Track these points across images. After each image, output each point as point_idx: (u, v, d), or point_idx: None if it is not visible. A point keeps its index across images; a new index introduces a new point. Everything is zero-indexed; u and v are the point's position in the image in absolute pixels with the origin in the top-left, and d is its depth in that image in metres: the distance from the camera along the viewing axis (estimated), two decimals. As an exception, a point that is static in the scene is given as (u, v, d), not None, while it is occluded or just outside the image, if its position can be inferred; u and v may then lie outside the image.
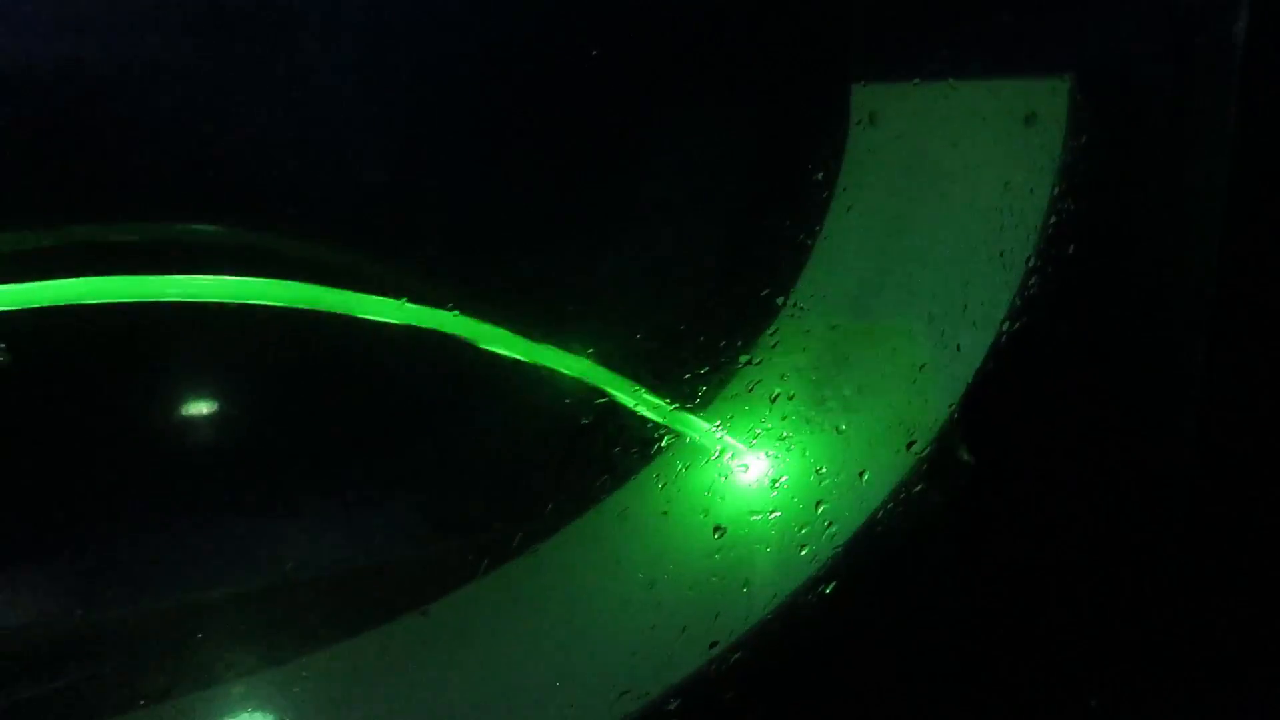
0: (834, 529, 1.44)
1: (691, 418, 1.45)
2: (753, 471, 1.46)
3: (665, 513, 1.46)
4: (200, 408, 1.43)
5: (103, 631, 1.39)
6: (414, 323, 1.31)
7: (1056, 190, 1.40)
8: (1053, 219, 1.41)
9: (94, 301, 1.17)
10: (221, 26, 1.37)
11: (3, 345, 1.24)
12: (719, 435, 1.44)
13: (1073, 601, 1.48)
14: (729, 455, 1.45)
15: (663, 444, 1.46)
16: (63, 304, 1.15)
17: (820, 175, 1.53)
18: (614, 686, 1.37)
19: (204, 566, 1.42)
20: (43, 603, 1.40)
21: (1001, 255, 1.44)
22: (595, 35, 1.46)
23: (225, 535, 1.43)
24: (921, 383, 1.47)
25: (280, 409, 1.44)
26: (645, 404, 1.42)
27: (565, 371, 1.38)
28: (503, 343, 1.35)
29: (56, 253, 1.33)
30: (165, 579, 1.41)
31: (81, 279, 1.16)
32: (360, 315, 1.29)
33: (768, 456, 1.46)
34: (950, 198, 1.53)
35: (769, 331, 1.50)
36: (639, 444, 1.46)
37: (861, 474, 1.45)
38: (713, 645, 1.39)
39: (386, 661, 1.41)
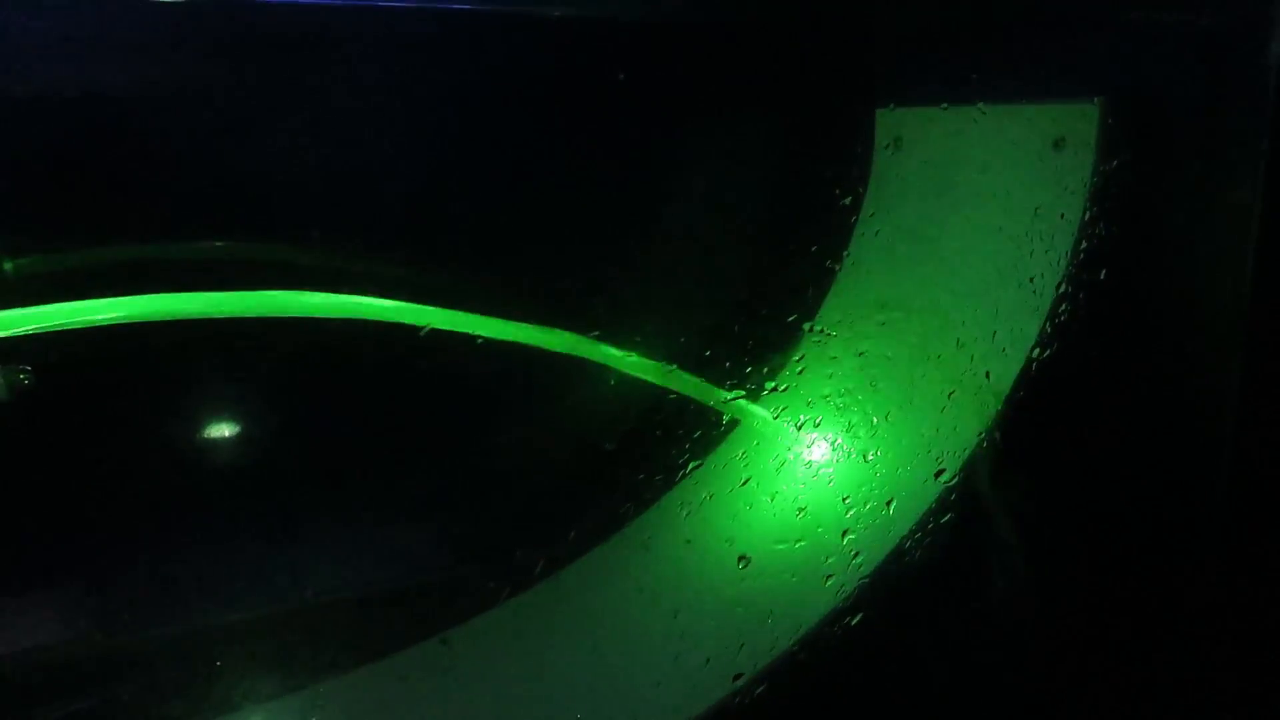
0: (860, 559, 1.42)
1: (715, 444, 1.44)
2: (778, 500, 1.44)
3: (689, 541, 1.44)
4: (218, 431, 1.43)
5: (120, 656, 1.38)
6: (438, 326, 1.30)
7: (1087, 215, 1.39)
8: (1083, 244, 1.39)
9: (109, 322, 1.18)
10: (246, 49, 1.38)
11: (27, 368, 1.25)
12: (743, 462, 1.43)
13: (1105, 633, 1.45)
14: (754, 484, 1.44)
15: (687, 470, 1.45)
16: (81, 325, 1.16)
17: (847, 199, 1.52)
18: (637, 718, 1.36)
19: (223, 591, 1.42)
20: (60, 626, 1.40)
21: (1031, 281, 1.43)
22: (628, 60, 1.47)
23: (244, 560, 1.43)
24: (950, 410, 1.45)
25: (299, 432, 1.44)
26: (669, 430, 1.41)
27: (589, 396, 1.37)
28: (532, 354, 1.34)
29: (75, 274, 1.34)
30: (184, 603, 1.41)
31: (97, 300, 1.17)
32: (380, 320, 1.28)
33: (793, 484, 1.45)
34: (979, 222, 1.52)
35: (795, 357, 1.50)
36: (663, 470, 1.45)
37: (889, 503, 1.43)
38: (737, 677, 1.37)
39: (405, 690, 1.40)
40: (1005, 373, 1.43)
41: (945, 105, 1.49)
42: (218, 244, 1.41)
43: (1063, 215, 1.41)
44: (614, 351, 1.40)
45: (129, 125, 1.38)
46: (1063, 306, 1.41)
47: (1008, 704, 1.47)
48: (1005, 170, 1.49)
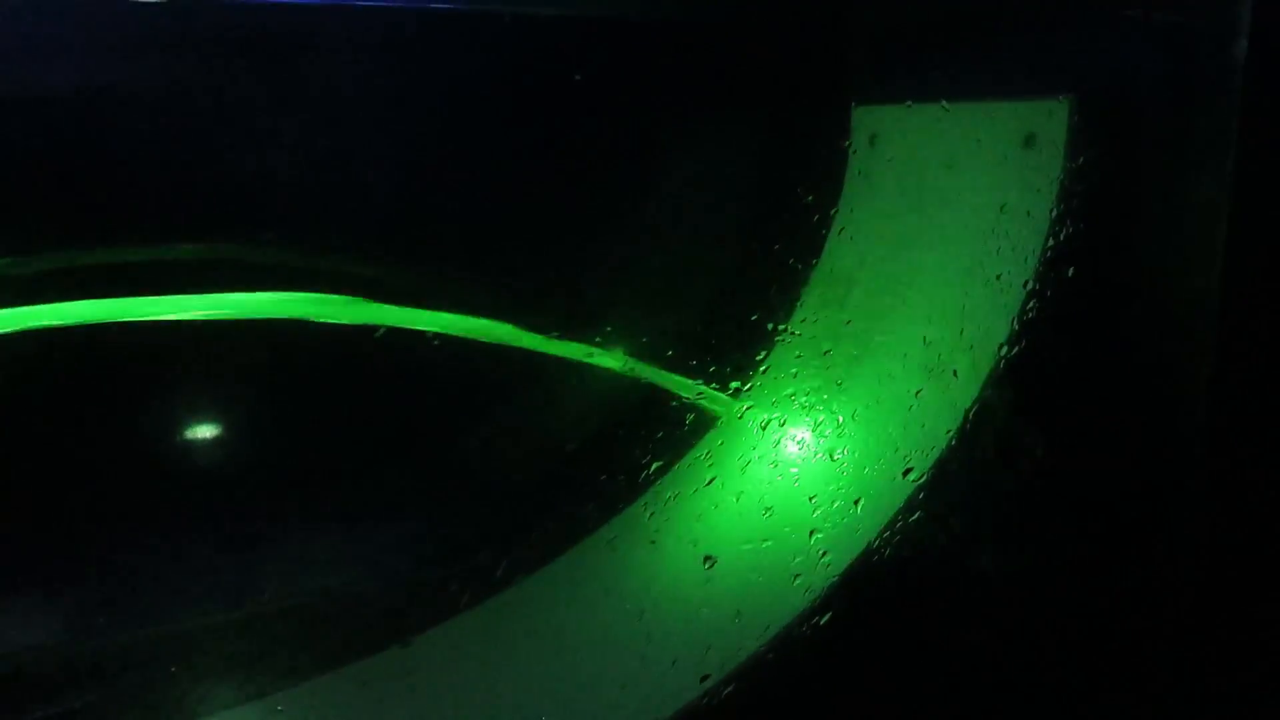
0: (829, 558, 1.41)
1: (680, 444, 1.43)
2: (743, 500, 1.44)
3: (654, 542, 1.43)
4: (175, 434, 1.41)
5: (76, 664, 1.36)
6: (396, 324, 1.28)
7: (1055, 213, 1.39)
8: (1051, 242, 1.39)
9: (73, 324, 1.16)
10: (240, 49, 1.37)
11: None
12: (708, 462, 1.42)
13: (1077, 630, 1.46)
14: (719, 483, 1.43)
15: (651, 471, 1.44)
16: (40, 328, 1.14)
17: (812, 198, 1.51)
18: (603, 721, 1.35)
19: (179, 596, 1.39)
20: (15, 633, 1.37)
21: (998, 279, 1.42)
22: (598, 56, 1.45)
23: (200, 564, 1.41)
24: (918, 409, 1.45)
25: (256, 434, 1.42)
26: (633, 431, 1.40)
27: (551, 397, 1.36)
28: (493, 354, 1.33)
29: (53, 276, 1.32)
30: (138, 609, 1.38)
31: (70, 302, 1.15)
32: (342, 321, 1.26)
33: (758, 484, 1.44)
34: (947, 220, 1.51)
35: (759, 357, 1.49)
36: (627, 471, 1.44)
37: (857, 502, 1.43)
38: (704, 678, 1.36)
39: (367, 696, 1.38)
40: (973, 371, 1.43)
41: (911, 103, 1.48)
42: (183, 246, 1.39)
43: (1029, 213, 1.41)
44: (577, 351, 1.39)
45: (102, 127, 1.36)
46: (1030, 304, 1.41)
47: (978, 703, 1.47)
48: (974, 168, 1.48)
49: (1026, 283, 1.41)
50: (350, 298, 1.25)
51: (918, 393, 1.46)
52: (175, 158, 1.38)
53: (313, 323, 1.21)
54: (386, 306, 1.25)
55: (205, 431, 1.39)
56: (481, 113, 1.50)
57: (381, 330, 1.22)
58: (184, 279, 1.26)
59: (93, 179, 1.35)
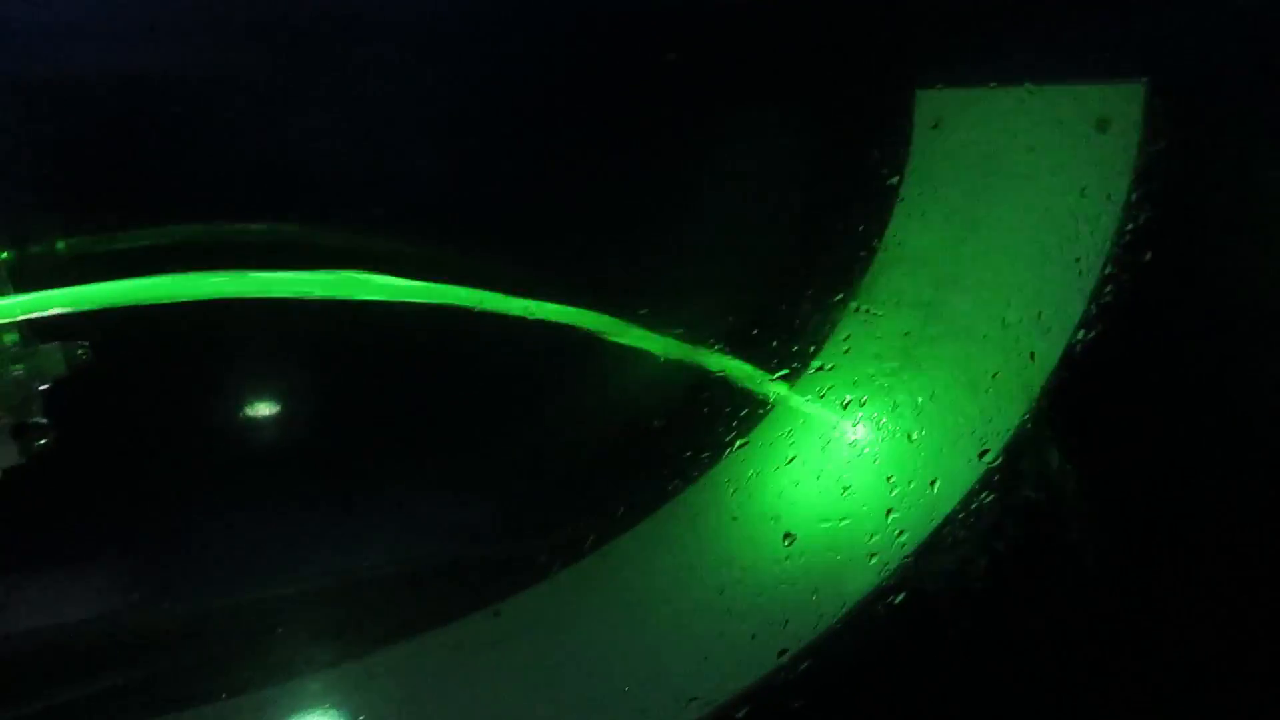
0: (904, 538, 1.43)
1: (763, 423, 1.45)
2: (823, 478, 1.45)
3: (735, 518, 1.46)
4: (274, 406, 1.47)
5: (186, 625, 1.44)
6: (493, 308, 1.31)
7: (1133, 196, 1.38)
8: (1129, 225, 1.39)
9: (166, 300, 1.19)
10: (281, 34, 1.41)
11: (85, 343, 1.28)
12: (789, 441, 1.45)
13: (1149, 613, 1.45)
14: (800, 462, 1.45)
15: (734, 449, 1.47)
16: (138, 303, 1.18)
17: (888, 180, 1.52)
18: (683, 692, 1.38)
19: (281, 563, 1.46)
20: (126, 596, 1.45)
21: (1077, 261, 1.43)
22: (671, 41, 1.48)
23: (301, 533, 1.47)
24: (994, 391, 1.46)
25: (353, 408, 1.48)
26: (716, 409, 1.43)
27: (638, 375, 1.39)
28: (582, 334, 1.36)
29: (129, 254, 1.38)
30: (245, 575, 1.45)
31: (153, 278, 1.19)
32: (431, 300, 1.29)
33: (838, 463, 1.46)
34: (1023, 203, 1.52)
35: (841, 337, 1.51)
36: (710, 448, 1.47)
37: (933, 482, 1.44)
38: (781, 653, 1.38)
39: (458, 660, 1.43)
40: (1050, 353, 1.44)
41: (988, 85, 1.49)
42: (265, 227, 1.44)
43: (1109, 196, 1.40)
44: (662, 332, 1.42)
45: (177, 110, 1.41)
46: (1108, 288, 1.41)
47: (1049, 683, 1.47)
48: (1050, 150, 1.48)
49: (1105, 266, 1.41)
50: (453, 286, 1.28)
51: (995, 375, 1.47)
52: (247, 142, 1.44)
53: (415, 305, 1.25)
54: (481, 292, 1.29)
55: (303, 408, 1.46)
56: (560, 99, 1.53)
57: (479, 308, 1.26)
58: (280, 259, 1.30)
59: (167, 162, 1.42)
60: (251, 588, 1.45)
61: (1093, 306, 1.41)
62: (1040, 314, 1.45)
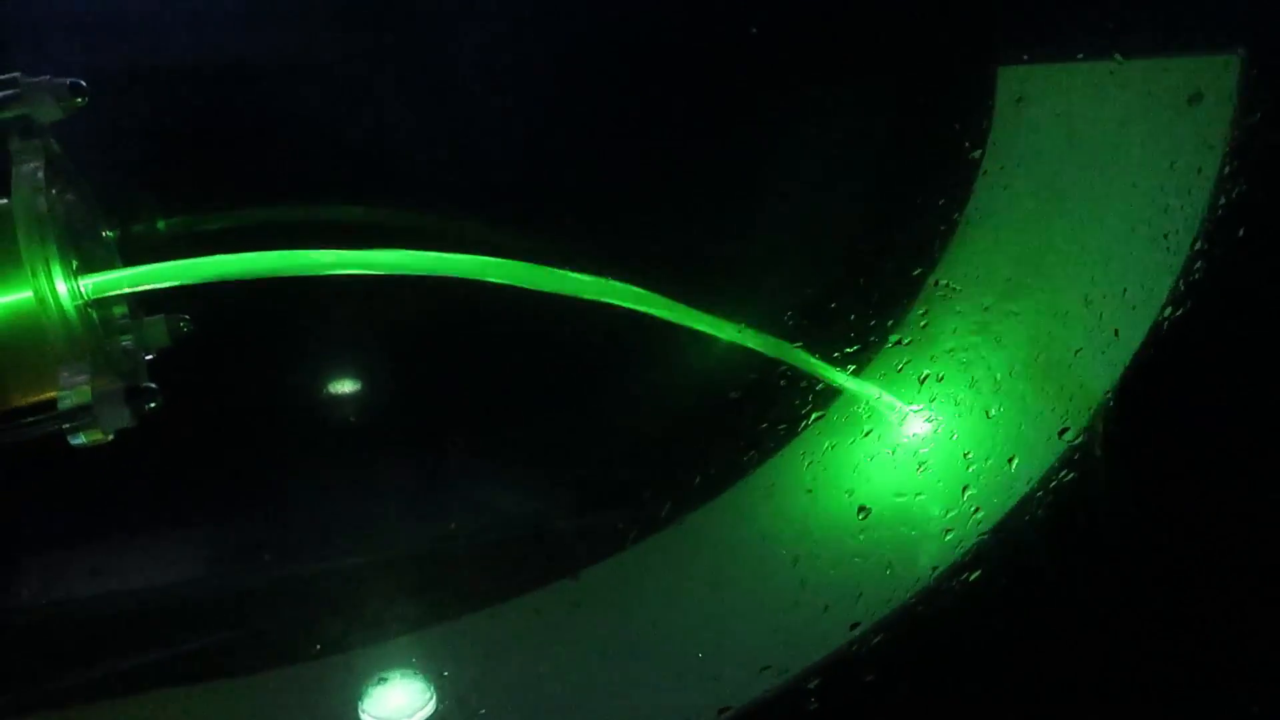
0: (980, 515, 1.42)
1: (839, 397, 1.46)
2: (899, 454, 1.46)
3: (810, 490, 1.47)
4: (364, 379, 1.53)
5: (278, 586, 1.52)
6: (572, 293, 1.34)
7: (1226, 171, 1.35)
8: (1221, 200, 1.35)
9: (267, 274, 1.24)
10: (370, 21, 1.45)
11: (186, 316, 1.34)
12: (866, 414, 1.45)
13: (1231, 602, 1.43)
14: (876, 436, 1.45)
15: (809, 422, 1.48)
16: (240, 276, 1.22)
17: (968, 155, 1.50)
18: (755, 661, 1.40)
19: (372, 531, 1.52)
20: (222, 558, 1.52)
21: (1165, 238, 1.39)
22: (750, 17, 1.48)
23: (391, 502, 1.53)
24: (1076, 368, 1.44)
25: (440, 382, 1.52)
26: (792, 382, 1.44)
27: (714, 347, 1.40)
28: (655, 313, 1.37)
29: (223, 234, 1.43)
30: (337, 540, 1.53)
31: (255, 254, 1.22)
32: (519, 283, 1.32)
33: (915, 439, 1.46)
34: (1111, 178, 1.48)
35: (919, 311, 1.50)
36: (786, 421, 1.48)
37: (1011, 460, 1.43)
38: (854, 626, 1.40)
39: (538, 624, 1.47)
40: (1135, 331, 1.41)
41: (1074, 59, 1.46)
42: (352, 208, 1.49)
43: (1200, 170, 1.37)
44: (743, 303, 1.43)
45: (270, 94, 1.46)
46: (1197, 264, 1.38)
47: (1123, 667, 1.45)
48: (1139, 125, 1.45)
49: (1195, 242, 1.38)
50: (517, 262, 1.30)
51: (1077, 352, 1.45)
52: (336, 126, 1.49)
53: (491, 283, 1.28)
54: (558, 271, 1.31)
55: (400, 379, 1.51)
56: (638, 73, 1.54)
57: (565, 280, 1.28)
58: (373, 236, 1.34)
59: (258, 146, 1.48)
60: (343, 553, 1.51)
61: (1181, 283, 1.38)
62: (1126, 290, 1.42)
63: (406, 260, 1.25)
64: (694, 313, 1.38)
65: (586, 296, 1.31)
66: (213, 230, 1.46)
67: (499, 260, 1.26)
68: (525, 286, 1.27)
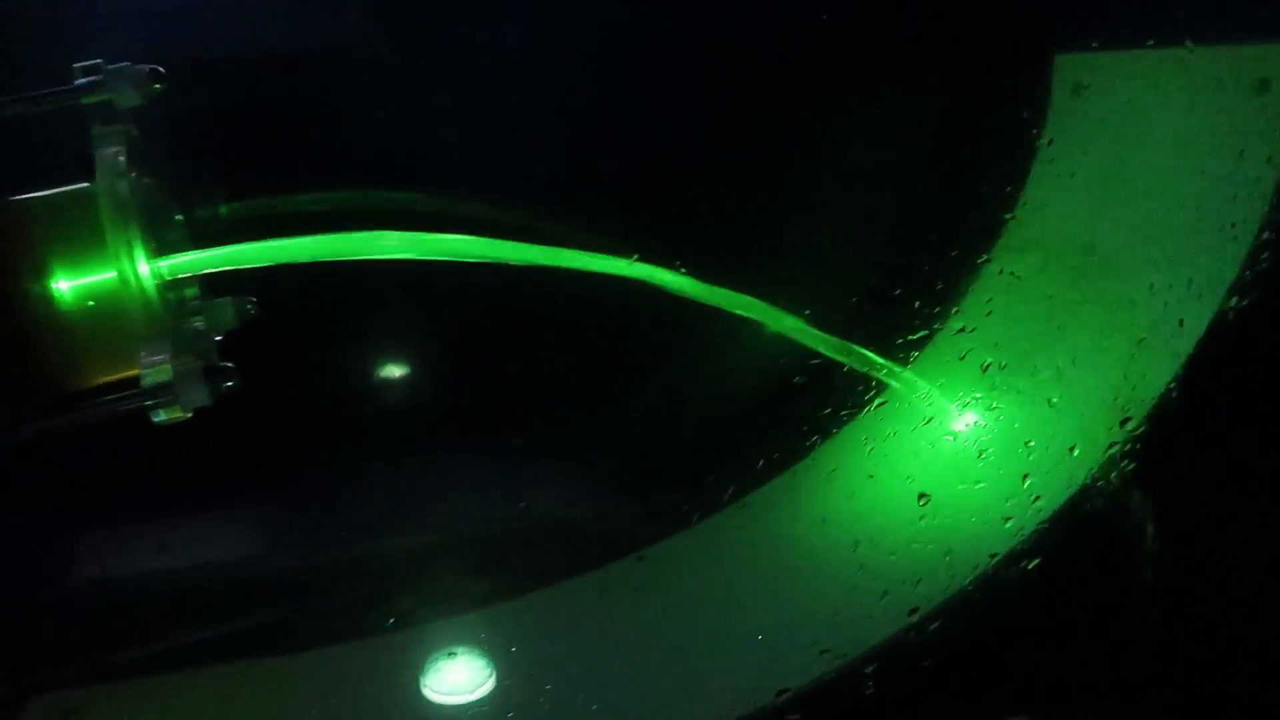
0: (1040, 503, 1.42)
1: (901, 383, 1.46)
2: (959, 439, 1.46)
3: (872, 475, 1.48)
4: (435, 363, 1.55)
5: (361, 560, 1.56)
6: (635, 275, 1.34)
7: (1295, 160, 1.34)
8: (1292, 191, 1.34)
9: (334, 258, 1.25)
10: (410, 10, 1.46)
11: (253, 299, 1.36)
12: (928, 402, 1.45)
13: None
14: (937, 423, 1.46)
15: (872, 407, 1.48)
16: (308, 259, 1.24)
17: (1041, 140, 1.50)
18: (814, 644, 1.42)
19: (443, 509, 1.55)
20: (292, 535, 1.56)
21: (1233, 226, 1.38)
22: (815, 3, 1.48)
23: (460, 481, 1.56)
24: (1140, 357, 1.43)
25: (510, 361, 1.54)
26: (856, 367, 1.44)
27: (779, 331, 1.41)
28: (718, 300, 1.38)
29: (285, 217, 1.46)
30: (408, 518, 1.57)
31: (323, 236, 1.24)
32: (584, 268, 1.33)
33: (976, 426, 1.46)
34: (1176, 166, 1.47)
35: (983, 299, 1.50)
36: (849, 406, 1.49)
37: (1072, 449, 1.43)
38: (912, 612, 1.41)
39: (602, 602, 1.50)
40: (1199, 321, 1.40)
41: (1150, 43, 1.44)
42: (408, 194, 1.50)
43: (1269, 159, 1.36)
44: (803, 290, 1.44)
45: (333, 81, 1.47)
46: (1264, 254, 1.36)
47: (1182, 661, 1.44)
48: (1206, 113, 1.43)
49: (1262, 231, 1.36)
50: (579, 251, 1.31)
51: (1141, 341, 1.44)
52: (389, 114, 1.51)
53: (559, 268, 1.29)
54: (617, 258, 1.32)
55: (466, 358, 1.53)
56: (694, 56, 1.54)
57: (635, 258, 1.29)
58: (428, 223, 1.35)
59: (318, 134, 1.51)
60: (413, 530, 1.54)
61: (1247, 273, 1.37)
62: (1191, 280, 1.41)
63: (471, 247, 1.26)
64: (751, 301, 1.38)
65: (633, 277, 1.32)
66: (272, 215, 1.48)
67: (554, 249, 1.27)
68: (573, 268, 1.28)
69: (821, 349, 1.40)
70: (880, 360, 1.42)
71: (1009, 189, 1.51)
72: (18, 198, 1.17)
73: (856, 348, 1.41)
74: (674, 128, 1.56)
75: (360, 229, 1.22)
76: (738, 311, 1.39)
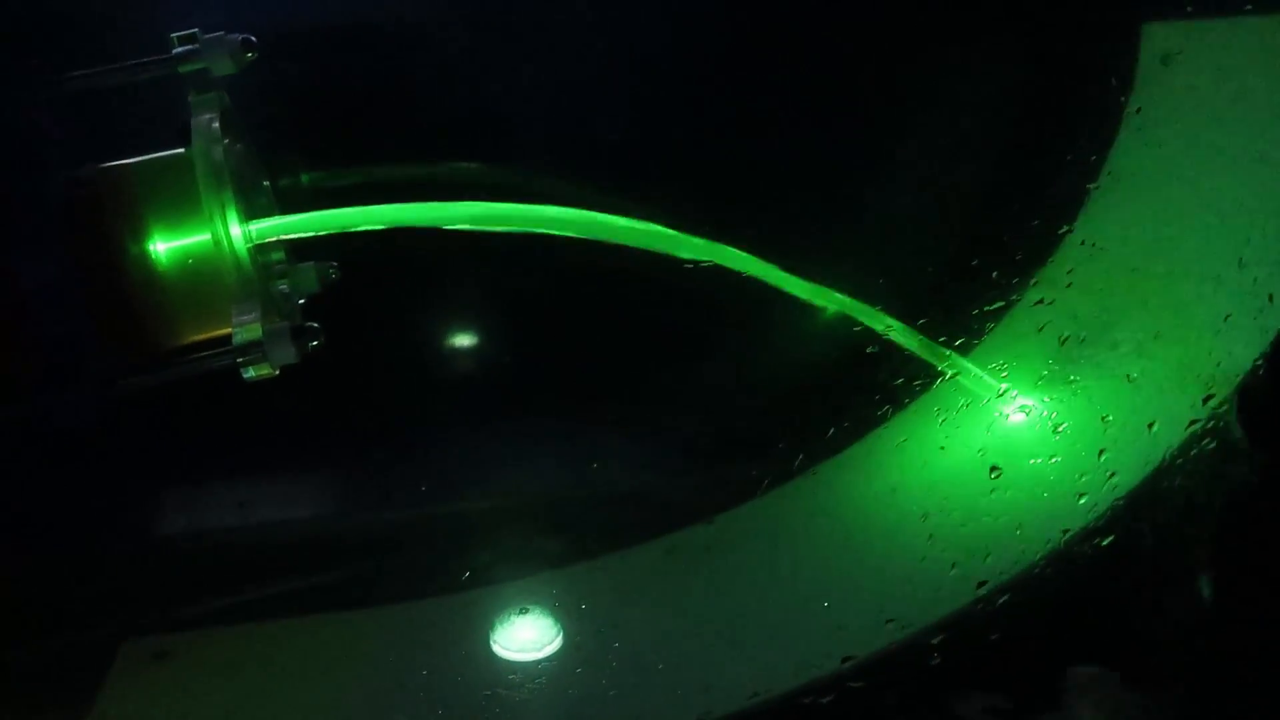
0: (1116, 480, 1.39)
1: (977, 354, 1.44)
2: (1035, 414, 1.44)
3: (943, 447, 1.47)
4: (513, 332, 1.59)
5: (437, 521, 1.61)
6: (705, 258, 1.35)
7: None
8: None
9: (413, 225, 1.28)
10: None
11: (335, 264, 1.40)
12: (1004, 374, 1.44)
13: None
14: (1013, 394, 1.44)
15: (946, 378, 1.47)
16: (389, 225, 1.27)
17: (1129, 109, 1.46)
18: (881, 613, 1.42)
19: (522, 472, 1.60)
20: (358, 498, 1.62)
21: (1331, 199, 1.34)
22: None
23: (536, 449, 1.61)
24: (1226, 333, 1.39)
25: (583, 336, 1.58)
26: (930, 337, 1.43)
27: (855, 300, 1.41)
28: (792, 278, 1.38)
29: (362, 187, 1.49)
30: (489, 478, 1.61)
31: (405, 204, 1.27)
32: (654, 249, 1.34)
33: (1053, 399, 1.44)
34: (1269, 137, 1.43)
35: (1063, 270, 1.46)
36: (922, 376, 1.48)
37: (1151, 425, 1.40)
38: (980, 585, 1.39)
39: (674, 562, 1.52)
40: (1293, 297, 1.36)
41: (1248, 7, 1.40)
42: (479, 167, 1.53)
43: (1371, 129, 1.31)
44: (880, 259, 1.43)
45: (405, 55, 1.50)
46: (1361, 230, 1.32)
47: (1254, 645, 1.41)
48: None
49: (1360, 206, 1.32)
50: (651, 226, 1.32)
51: (1227, 317, 1.40)
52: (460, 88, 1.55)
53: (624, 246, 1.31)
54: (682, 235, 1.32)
55: (544, 327, 1.57)
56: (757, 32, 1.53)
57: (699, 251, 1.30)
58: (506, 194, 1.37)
59: (392, 105, 1.54)
60: (496, 492, 1.60)
61: (1342, 249, 1.33)
62: (1283, 255, 1.37)
63: (547, 216, 1.28)
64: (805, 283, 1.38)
65: (701, 259, 1.33)
66: (349, 185, 1.52)
67: (633, 222, 1.29)
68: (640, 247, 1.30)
69: (897, 320, 1.40)
70: (945, 351, 1.41)
71: (1093, 158, 1.48)
72: (117, 163, 1.23)
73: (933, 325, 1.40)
74: (751, 98, 1.55)
75: (438, 199, 1.25)
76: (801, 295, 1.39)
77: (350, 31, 1.51)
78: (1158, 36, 1.45)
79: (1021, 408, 1.45)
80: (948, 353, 1.46)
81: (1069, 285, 1.45)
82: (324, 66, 1.52)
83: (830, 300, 1.40)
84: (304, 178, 1.51)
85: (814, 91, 1.56)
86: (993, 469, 1.43)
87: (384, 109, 1.55)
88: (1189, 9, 1.42)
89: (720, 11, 1.54)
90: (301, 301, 1.39)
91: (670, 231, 1.31)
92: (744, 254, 1.36)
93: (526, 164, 1.53)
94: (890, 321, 1.44)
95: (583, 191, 1.44)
